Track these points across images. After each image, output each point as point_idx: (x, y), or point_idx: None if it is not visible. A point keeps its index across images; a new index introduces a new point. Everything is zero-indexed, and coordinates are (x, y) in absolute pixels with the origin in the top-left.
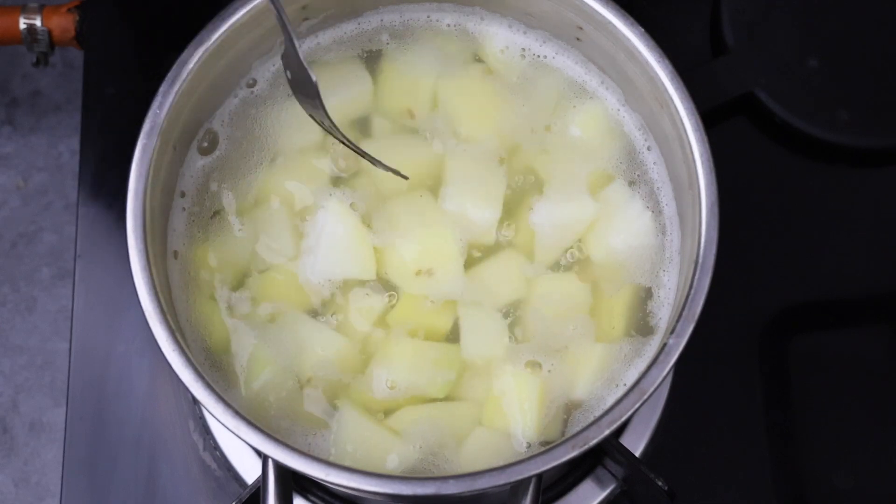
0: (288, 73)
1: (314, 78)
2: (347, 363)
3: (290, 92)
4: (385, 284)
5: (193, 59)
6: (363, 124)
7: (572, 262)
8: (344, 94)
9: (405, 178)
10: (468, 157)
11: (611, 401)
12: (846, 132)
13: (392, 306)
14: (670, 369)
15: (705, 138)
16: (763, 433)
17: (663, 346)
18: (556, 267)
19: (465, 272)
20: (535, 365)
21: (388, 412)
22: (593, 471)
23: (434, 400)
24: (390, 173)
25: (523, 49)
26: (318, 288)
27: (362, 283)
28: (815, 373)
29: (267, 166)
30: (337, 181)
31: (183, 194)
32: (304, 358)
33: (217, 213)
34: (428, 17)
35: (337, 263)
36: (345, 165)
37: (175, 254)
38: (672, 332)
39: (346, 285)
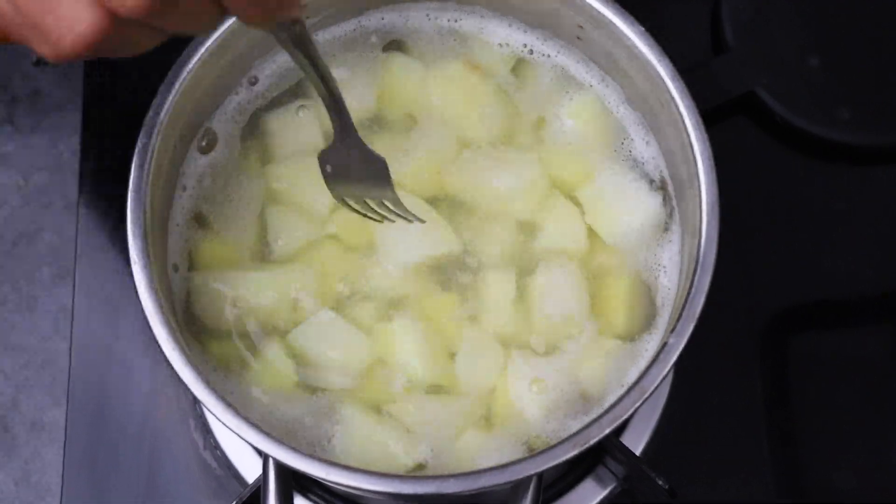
0: (328, 167)
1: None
2: (356, 358)
3: (291, 91)
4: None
5: (193, 59)
6: (363, 124)
7: (572, 255)
8: (344, 95)
9: (422, 221)
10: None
11: (611, 400)
12: (847, 130)
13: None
14: (670, 369)
15: (706, 137)
16: (763, 433)
17: (663, 346)
18: (555, 264)
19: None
20: (535, 365)
21: (388, 408)
22: (594, 469)
23: (439, 392)
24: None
25: (523, 47)
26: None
27: (442, 261)
28: (815, 373)
29: (268, 165)
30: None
31: (183, 194)
32: (305, 353)
33: (217, 211)
34: (427, 16)
35: (419, 242)
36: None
37: (176, 253)
38: (672, 331)
39: (421, 269)
